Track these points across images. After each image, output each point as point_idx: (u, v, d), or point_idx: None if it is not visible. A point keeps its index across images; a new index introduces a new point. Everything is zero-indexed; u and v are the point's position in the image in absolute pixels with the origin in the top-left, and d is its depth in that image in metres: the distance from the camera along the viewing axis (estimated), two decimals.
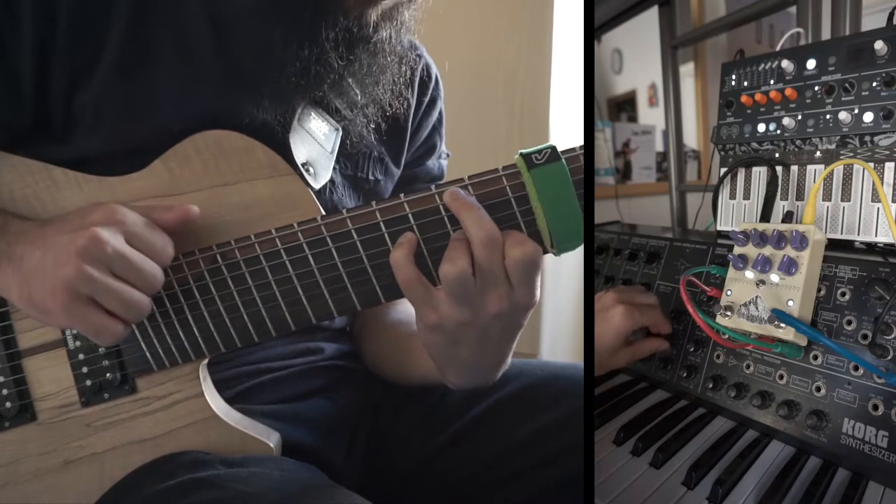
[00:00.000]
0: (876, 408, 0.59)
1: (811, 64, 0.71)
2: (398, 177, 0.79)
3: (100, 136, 0.60)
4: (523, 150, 0.56)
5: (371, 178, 0.75)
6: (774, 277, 0.64)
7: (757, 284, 0.66)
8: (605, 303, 0.76)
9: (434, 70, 0.82)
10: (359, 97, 0.67)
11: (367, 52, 0.64)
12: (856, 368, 0.62)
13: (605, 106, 2.10)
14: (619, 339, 0.75)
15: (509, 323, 0.57)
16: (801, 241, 0.64)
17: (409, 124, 0.78)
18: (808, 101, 0.71)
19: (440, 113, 0.83)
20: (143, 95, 0.60)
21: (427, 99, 0.80)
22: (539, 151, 0.56)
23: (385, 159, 0.76)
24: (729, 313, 0.68)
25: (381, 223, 0.58)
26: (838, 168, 0.69)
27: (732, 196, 0.82)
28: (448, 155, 0.86)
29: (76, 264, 0.52)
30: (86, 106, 0.59)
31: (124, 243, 0.53)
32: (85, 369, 0.60)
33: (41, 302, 0.54)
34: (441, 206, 0.57)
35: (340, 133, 0.69)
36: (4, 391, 0.60)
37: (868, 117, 0.65)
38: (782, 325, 0.63)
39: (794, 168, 0.74)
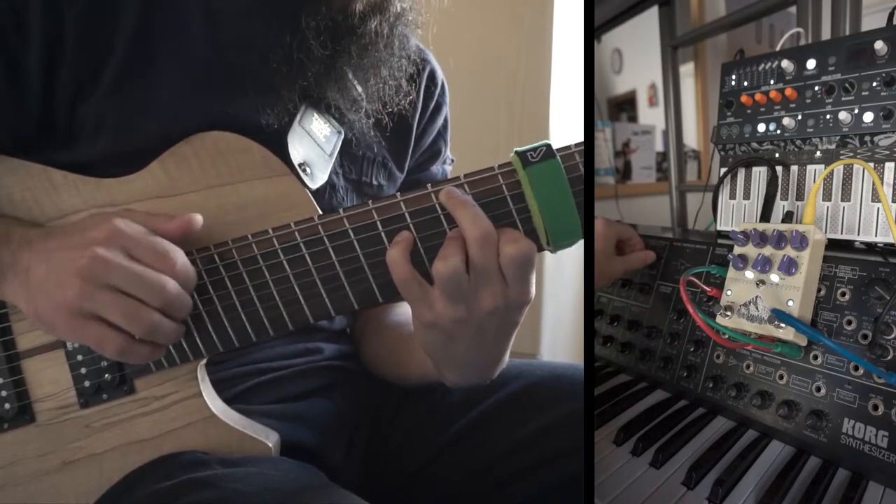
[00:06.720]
0: (876, 408, 0.59)
1: (811, 64, 0.70)
2: (401, 182, 0.79)
3: (102, 143, 0.60)
4: (518, 149, 0.56)
5: (375, 182, 0.75)
6: (774, 277, 0.64)
7: (757, 284, 0.66)
8: None
9: (440, 76, 0.82)
10: (358, 93, 0.67)
11: (356, 43, 0.64)
12: (856, 368, 0.62)
13: (605, 106, 2.10)
14: (604, 244, 0.84)
15: (505, 320, 0.57)
16: (801, 241, 0.63)
17: (414, 129, 0.78)
18: (808, 101, 0.71)
19: (445, 119, 0.83)
20: (145, 102, 0.60)
21: (433, 104, 0.80)
22: (534, 149, 0.56)
23: (389, 164, 0.76)
24: (729, 313, 0.68)
25: (378, 222, 0.58)
26: (838, 168, 0.68)
27: (732, 196, 0.81)
28: (453, 160, 0.86)
29: (77, 285, 0.52)
30: (88, 116, 0.60)
31: (124, 258, 0.53)
32: (83, 370, 0.60)
33: (48, 319, 0.55)
34: (437, 205, 0.57)
35: (342, 136, 0.69)
36: (3, 392, 0.60)
37: (868, 117, 0.65)
38: (782, 325, 0.63)
39: (794, 168, 0.74)
